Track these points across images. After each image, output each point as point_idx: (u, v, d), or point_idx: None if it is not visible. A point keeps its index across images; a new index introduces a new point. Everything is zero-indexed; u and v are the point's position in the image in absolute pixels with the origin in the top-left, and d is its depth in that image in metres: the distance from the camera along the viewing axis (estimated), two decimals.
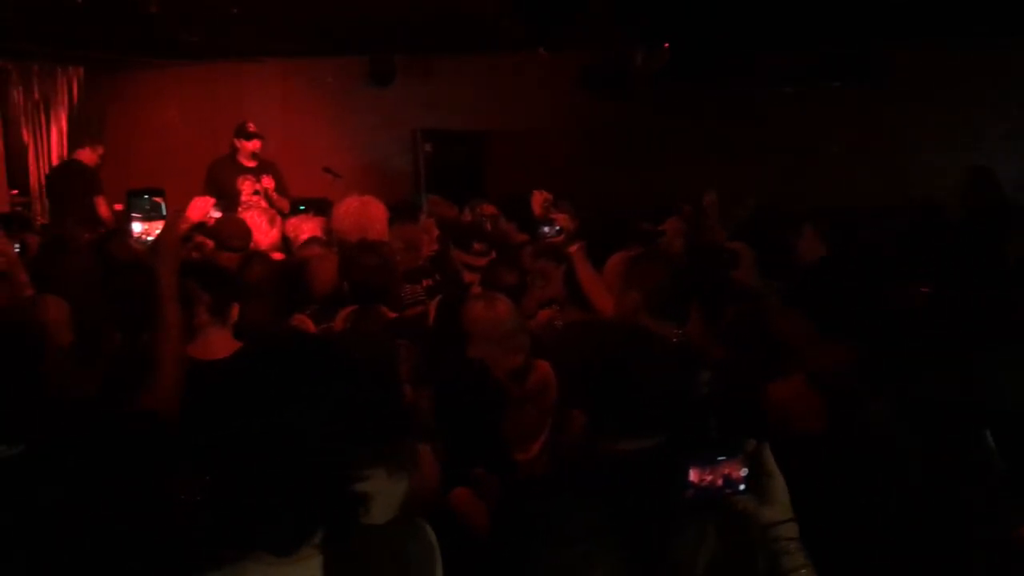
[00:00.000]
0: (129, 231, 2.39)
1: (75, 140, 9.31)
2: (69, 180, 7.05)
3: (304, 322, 3.53)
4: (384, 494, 1.97)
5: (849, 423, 2.25)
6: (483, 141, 8.58)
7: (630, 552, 1.52)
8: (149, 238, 2.34)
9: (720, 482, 1.42)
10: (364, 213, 4.11)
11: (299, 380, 1.44)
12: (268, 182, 6.57)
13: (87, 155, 7.16)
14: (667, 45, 6.49)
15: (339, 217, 4.16)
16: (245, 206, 6.31)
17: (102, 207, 6.73)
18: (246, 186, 6.54)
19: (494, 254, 4.66)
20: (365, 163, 8.57)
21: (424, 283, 4.37)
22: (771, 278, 3.72)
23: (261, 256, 4.31)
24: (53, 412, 1.82)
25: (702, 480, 1.42)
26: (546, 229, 3.31)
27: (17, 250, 3.32)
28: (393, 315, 3.37)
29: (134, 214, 2.36)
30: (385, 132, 8.80)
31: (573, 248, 3.26)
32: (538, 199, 3.94)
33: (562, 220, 3.31)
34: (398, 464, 2.11)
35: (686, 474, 1.41)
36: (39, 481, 1.61)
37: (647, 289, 2.73)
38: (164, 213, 2.38)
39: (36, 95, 8.98)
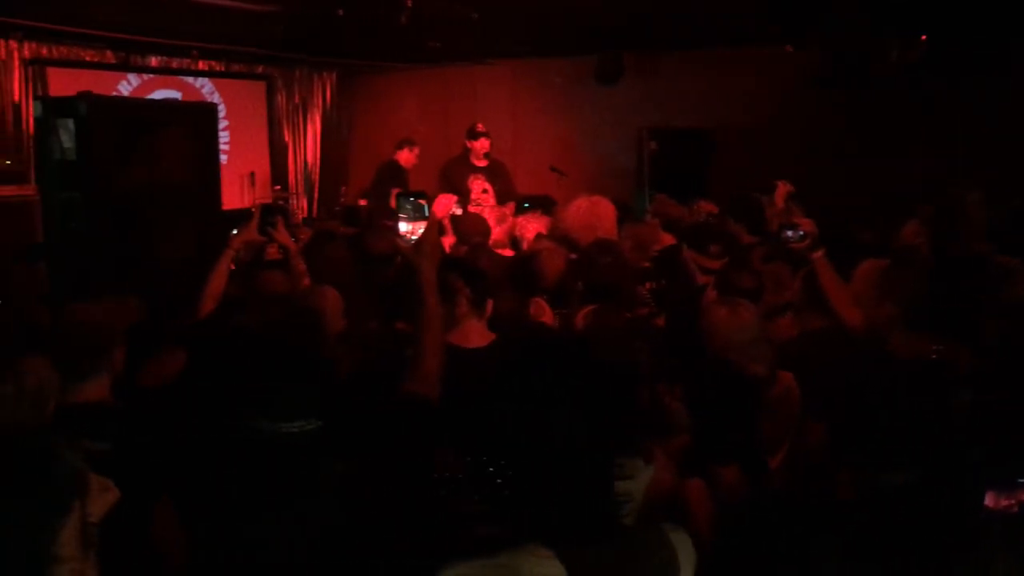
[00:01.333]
0: (395, 229, 2.60)
1: (327, 140, 10.23)
2: (385, 178, 7.46)
3: (541, 306, 3.63)
4: (629, 494, 2.02)
5: None
6: (709, 139, 8.40)
7: None
8: (413, 237, 2.53)
9: (1018, 507, 1.33)
10: (593, 212, 4.18)
11: (553, 375, 1.49)
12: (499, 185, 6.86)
13: (405, 156, 7.62)
14: (924, 37, 6.01)
15: (569, 216, 4.25)
16: (474, 204, 6.62)
17: (393, 200, 7.05)
18: (476, 185, 6.83)
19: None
20: (589, 162, 8.68)
21: (648, 285, 4.36)
22: None
23: (487, 250, 4.48)
24: (336, 392, 2.02)
25: (998, 504, 1.33)
26: (789, 233, 3.18)
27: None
28: (627, 315, 3.41)
29: (401, 214, 2.56)
30: (610, 131, 8.86)
31: (817, 254, 3.13)
32: (781, 191, 3.80)
33: (807, 225, 3.17)
34: (640, 464, 2.15)
35: (980, 498, 1.33)
36: (333, 454, 1.80)
37: (903, 302, 2.57)
38: (427, 214, 2.57)
39: (296, 99, 9.95)
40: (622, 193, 7.51)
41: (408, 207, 2.55)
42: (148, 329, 2.86)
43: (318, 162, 10.24)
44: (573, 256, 4.06)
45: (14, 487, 1.92)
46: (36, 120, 4.09)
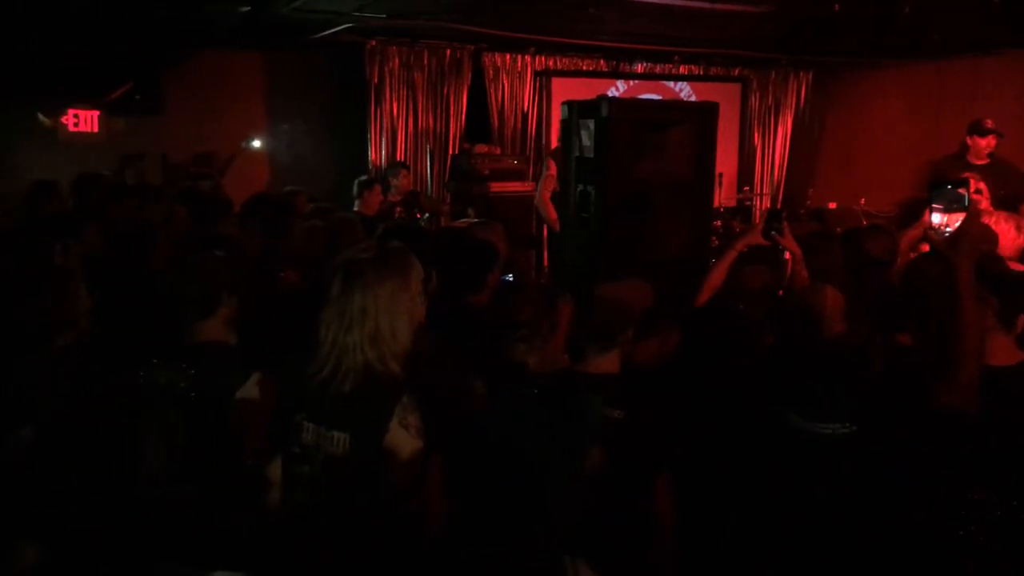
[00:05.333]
0: (927, 221, 2.42)
1: (797, 141, 9.98)
2: None
3: None
4: None
5: None
6: None
7: None
8: (948, 229, 2.32)
9: None
10: None
11: None
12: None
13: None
14: None
15: None
16: None
17: None
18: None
19: None
20: None
21: None
22: None
23: (1001, 261, 3.97)
24: (871, 397, 1.93)
25: None
26: None
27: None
28: None
29: (935, 205, 2.37)
30: None
31: None
32: None
33: None
34: None
35: None
36: (863, 461, 1.72)
37: None
38: (966, 205, 2.33)
39: (769, 100, 9.88)
40: None
41: (946, 197, 2.33)
42: (652, 312, 3.05)
43: (785, 164, 10.07)
44: None
45: (565, 413, 2.17)
46: (561, 122, 4.62)
